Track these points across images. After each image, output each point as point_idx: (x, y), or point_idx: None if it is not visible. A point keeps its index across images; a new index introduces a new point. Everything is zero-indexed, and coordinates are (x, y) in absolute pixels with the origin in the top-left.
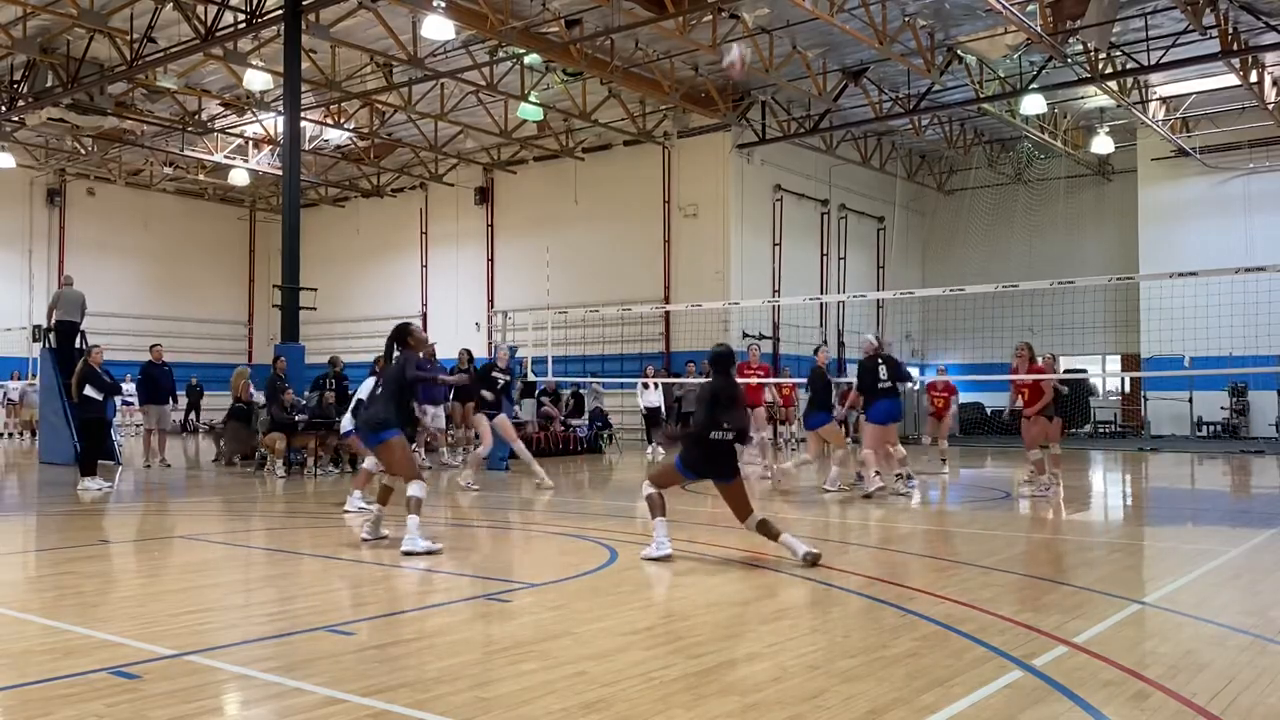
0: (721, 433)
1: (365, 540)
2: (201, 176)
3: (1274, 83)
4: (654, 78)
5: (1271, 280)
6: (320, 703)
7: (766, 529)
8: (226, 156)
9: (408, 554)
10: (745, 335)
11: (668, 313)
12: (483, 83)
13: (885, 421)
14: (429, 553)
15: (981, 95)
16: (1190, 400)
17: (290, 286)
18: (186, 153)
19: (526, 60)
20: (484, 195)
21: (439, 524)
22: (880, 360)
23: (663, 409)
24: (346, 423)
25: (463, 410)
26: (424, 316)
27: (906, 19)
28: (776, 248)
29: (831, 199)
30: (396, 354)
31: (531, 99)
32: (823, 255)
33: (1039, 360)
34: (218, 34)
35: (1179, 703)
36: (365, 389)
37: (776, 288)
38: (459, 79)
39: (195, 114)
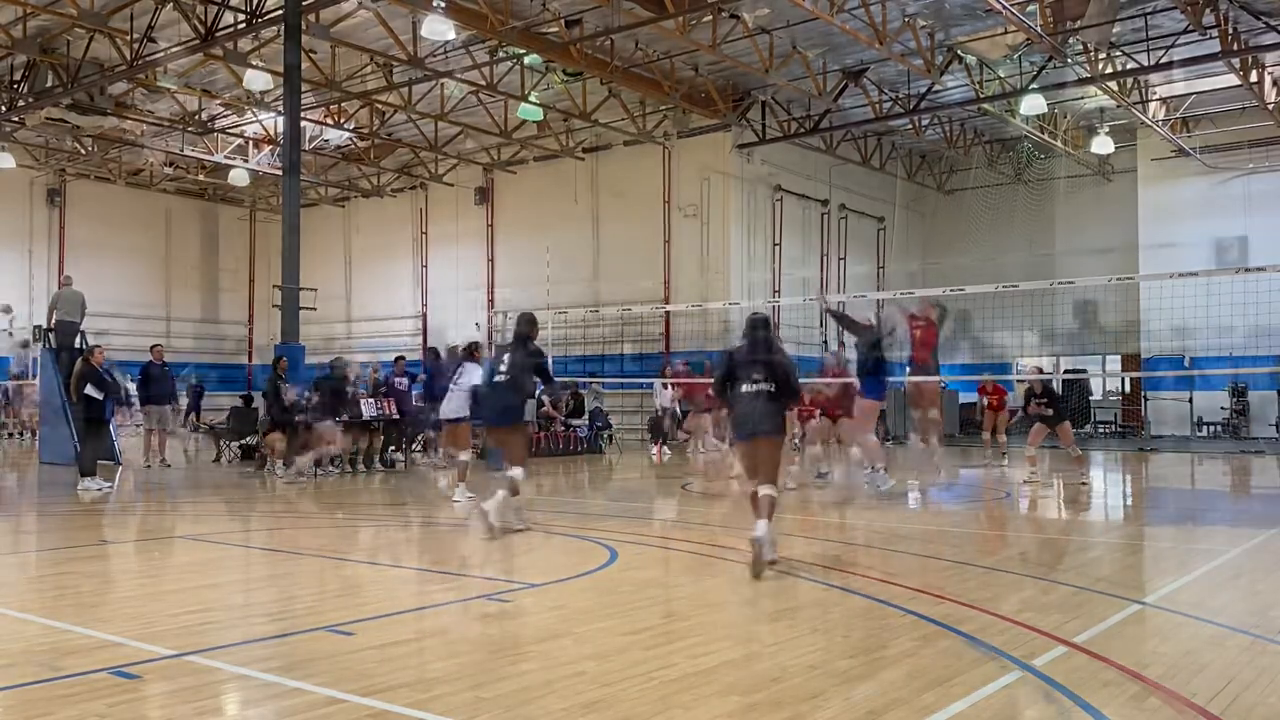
0: (751, 385)
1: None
2: (201, 176)
3: (1274, 83)
4: (654, 78)
5: (1271, 280)
6: (320, 702)
7: (762, 506)
8: (227, 156)
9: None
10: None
11: (668, 313)
12: (483, 83)
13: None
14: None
15: (981, 95)
16: (1190, 400)
17: (290, 287)
18: (186, 153)
19: (526, 60)
20: (484, 195)
21: (441, 525)
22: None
23: (676, 409)
24: (459, 407)
25: None
26: (424, 317)
27: (906, 19)
28: (776, 248)
29: (831, 199)
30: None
31: (531, 99)
32: (823, 255)
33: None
34: (218, 34)
35: (1179, 703)
36: (476, 376)
37: (777, 288)
38: (459, 79)
39: (195, 114)
